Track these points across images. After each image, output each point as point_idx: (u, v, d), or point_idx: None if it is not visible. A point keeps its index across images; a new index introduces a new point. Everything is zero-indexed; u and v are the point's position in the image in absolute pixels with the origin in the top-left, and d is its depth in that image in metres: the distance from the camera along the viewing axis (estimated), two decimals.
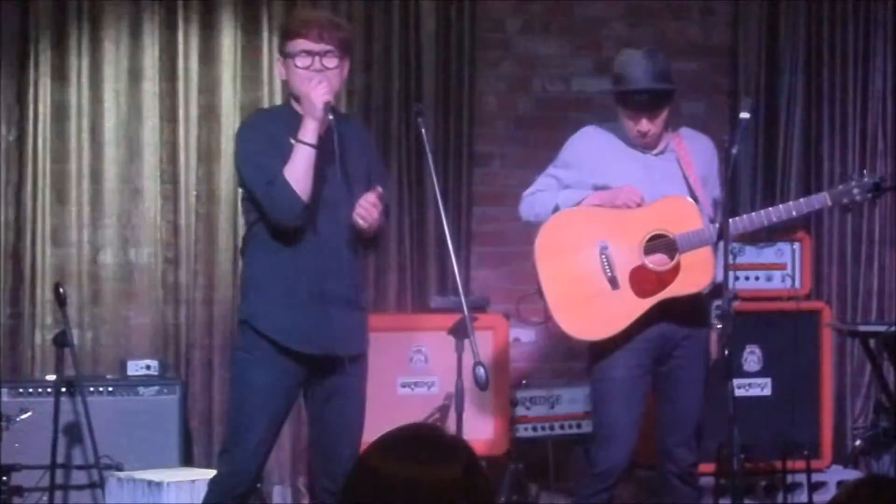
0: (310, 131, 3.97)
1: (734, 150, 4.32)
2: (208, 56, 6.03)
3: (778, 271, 6.09)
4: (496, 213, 6.45)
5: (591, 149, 4.61)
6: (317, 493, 4.45)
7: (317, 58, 4.03)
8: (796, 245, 6.12)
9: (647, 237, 4.43)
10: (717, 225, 4.40)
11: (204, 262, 6.00)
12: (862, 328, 6.04)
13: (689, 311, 4.48)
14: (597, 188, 4.53)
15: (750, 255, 6.03)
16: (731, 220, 4.35)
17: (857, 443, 6.39)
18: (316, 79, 3.99)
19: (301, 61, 4.04)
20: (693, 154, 4.59)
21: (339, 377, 4.10)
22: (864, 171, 4.69)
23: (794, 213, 4.52)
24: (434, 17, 6.29)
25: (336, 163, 3.96)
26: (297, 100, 4.08)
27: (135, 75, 5.98)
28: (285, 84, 4.20)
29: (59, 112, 5.92)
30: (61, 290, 5.36)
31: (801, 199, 4.63)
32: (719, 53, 6.75)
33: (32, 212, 5.88)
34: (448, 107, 6.32)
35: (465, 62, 6.34)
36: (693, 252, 4.41)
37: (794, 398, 5.91)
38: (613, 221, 4.46)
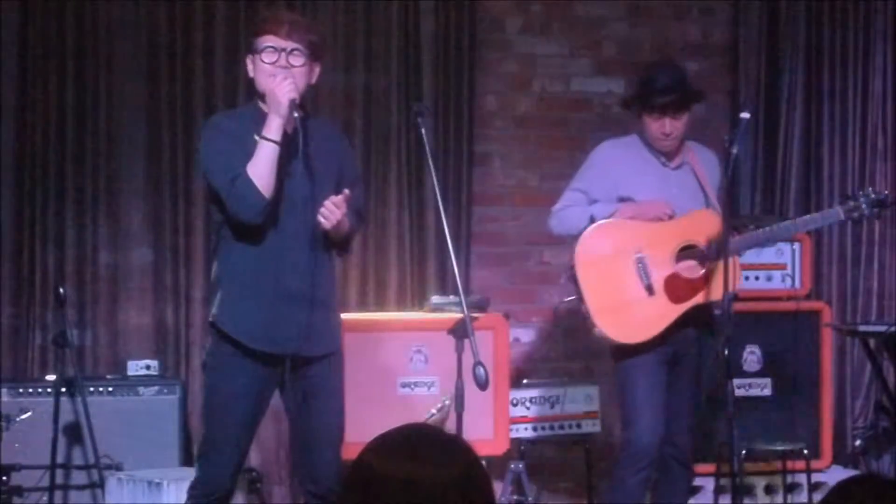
0: (274, 128, 3.92)
1: (734, 150, 4.38)
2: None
3: (778, 271, 6.09)
4: (496, 213, 6.44)
5: (614, 162, 4.85)
6: (301, 494, 4.43)
7: (283, 54, 3.98)
8: (796, 245, 6.11)
9: (679, 247, 4.70)
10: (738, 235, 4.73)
11: (204, 262, 5.99)
12: (862, 328, 6.04)
13: (705, 316, 4.77)
14: (621, 199, 4.78)
15: (750, 255, 6.00)
16: (745, 234, 4.77)
17: (857, 443, 6.39)
18: (281, 75, 3.94)
19: (267, 57, 3.99)
20: (703, 166, 4.85)
21: (314, 377, 4.06)
22: (870, 188, 4.92)
23: (811, 227, 4.99)
24: (434, 17, 6.29)
25: (300, 160, 3.92)
26: (263, 98, 4.02)
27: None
28: (252, 82, 4.12)
29: (61, 113, 5.92)
30: (61, 290, 5.36)
31: (817, 214, 5.01)
32: (719, 53, 6.75)
33: (32, 212, 5.88)
34: (448, 107, 6.32)
35: (465, 62, 6.34)
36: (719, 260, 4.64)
37: (794, 398, 5.91)
38: (647, 233, 4.74)
